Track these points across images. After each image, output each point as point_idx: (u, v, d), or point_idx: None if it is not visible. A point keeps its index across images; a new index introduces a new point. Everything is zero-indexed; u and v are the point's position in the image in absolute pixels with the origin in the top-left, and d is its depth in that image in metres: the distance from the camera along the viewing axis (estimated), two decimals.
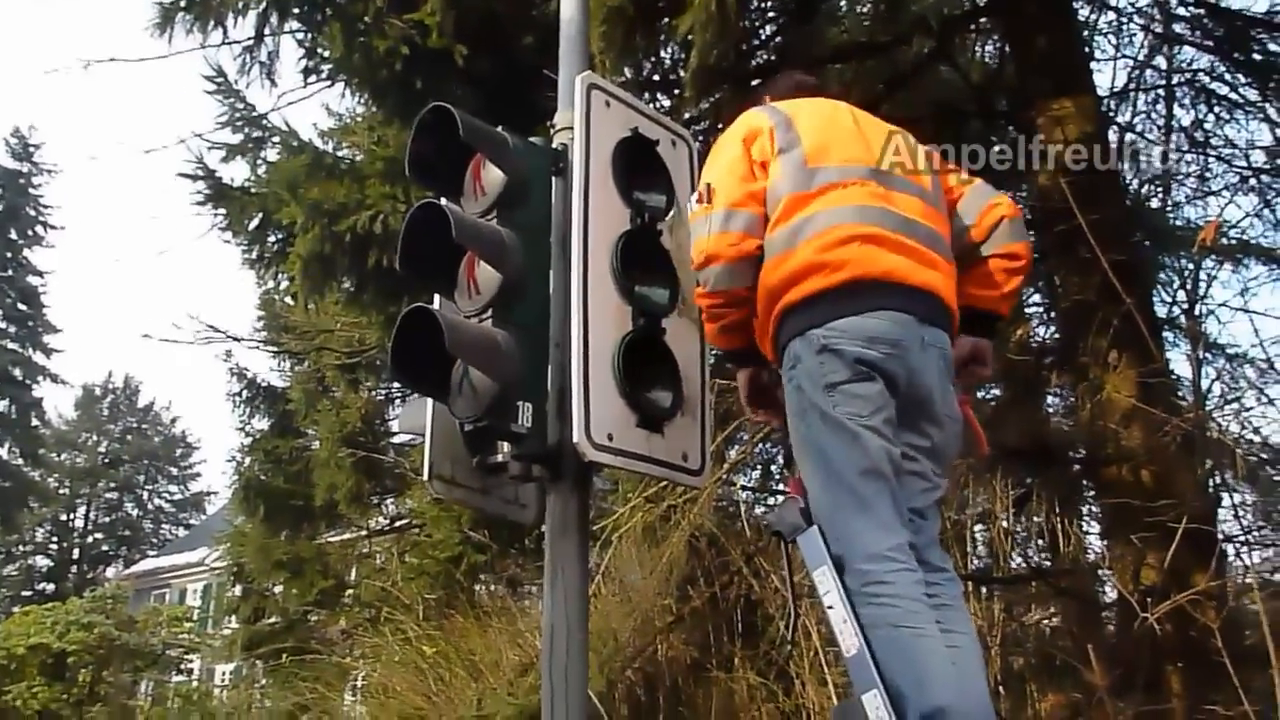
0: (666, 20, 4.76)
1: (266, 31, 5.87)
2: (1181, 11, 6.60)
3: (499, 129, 2.94)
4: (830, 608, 2.31)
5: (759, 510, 5.91)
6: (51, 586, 38.64)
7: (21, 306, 37.64)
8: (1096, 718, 4.52)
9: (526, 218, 2.89)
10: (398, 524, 11.48)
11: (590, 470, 2.87)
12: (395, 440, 11.43)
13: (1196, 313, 6.33)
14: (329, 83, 6.45)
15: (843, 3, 6.74)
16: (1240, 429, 5.12)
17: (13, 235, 37.42)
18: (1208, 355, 5.93)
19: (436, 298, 2.95)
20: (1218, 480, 5.20)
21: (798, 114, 2.75)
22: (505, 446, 2.73)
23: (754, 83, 5.45)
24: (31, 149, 38.11)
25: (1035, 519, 5.40)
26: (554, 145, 3.05)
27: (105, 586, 24.95)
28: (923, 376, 2.49)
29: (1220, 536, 4.95)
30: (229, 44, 5.99)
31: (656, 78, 5.79)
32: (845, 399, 2.40)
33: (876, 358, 2.41)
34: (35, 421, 38.57)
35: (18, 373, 37.26)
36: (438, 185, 2.99)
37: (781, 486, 5.87)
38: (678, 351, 2.95)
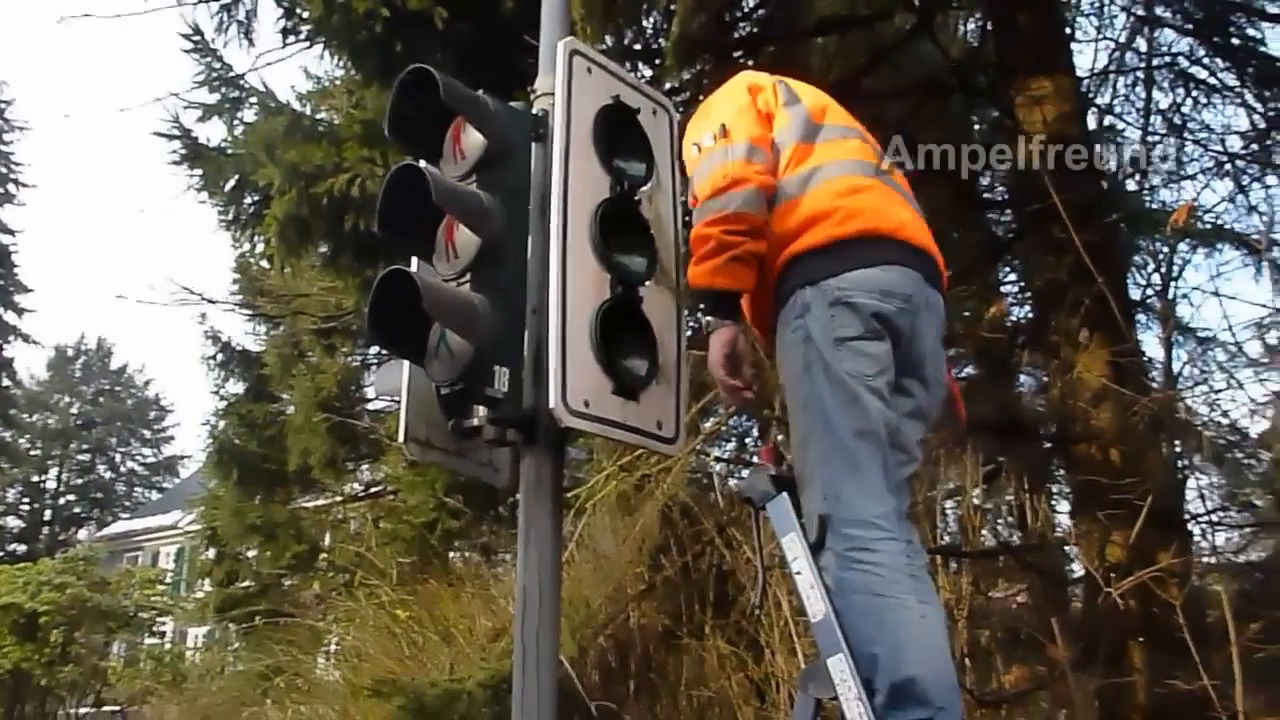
0: None
1: None
2: None
3: (480, 93, 2.92)
4: (798, 573, 2.33)
5: (733, 482, 5.95)
6: (23, 548, 38.39)
7: None
8: (1059, 690, 4.62)
9: (506, 182, 2.88)
10: (372, 490, 11.49)
11: (565, 436, 2.88)
12: (370, 406, 11.41)
13: (1169, 295, 6.42)
14: (308, 44, 6.39)
15: None
16: (1209, 411, 5.21)
17: None
18: (1179, 338, 6.01)
19: (414, 261, 2.95)
20: (1185, 461, 5.29)
21: (789, 80, 2.79)
22: (481, 410, 2.73)
23: (736, 54, 5.45)
24: (3, 105, 37.52)
25: (1006, 495, 5.47)
26: (534, 110, 3.03)
27: (78, 548, 24.84)
28: (923, 336, 2.51)
29: (1186, 516, 5.05)
30: (206, 1, 5.93)
31: (638, 47, 5.76)
32: (852, 355, 2.37)
33: (890, 311, 2.40)
34: (7, 382, 38.21)
35: None
36: (417, 148, 2.97)
37: (755, 459, 5.92)
38: (654, 320, 2.95)
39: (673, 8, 4.24)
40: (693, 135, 2.74)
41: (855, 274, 2.41)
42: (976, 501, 5.18)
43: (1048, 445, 5.53)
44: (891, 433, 2.41)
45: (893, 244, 2.49)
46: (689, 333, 3.22)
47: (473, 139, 2.90)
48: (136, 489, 46.11)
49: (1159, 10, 6.72)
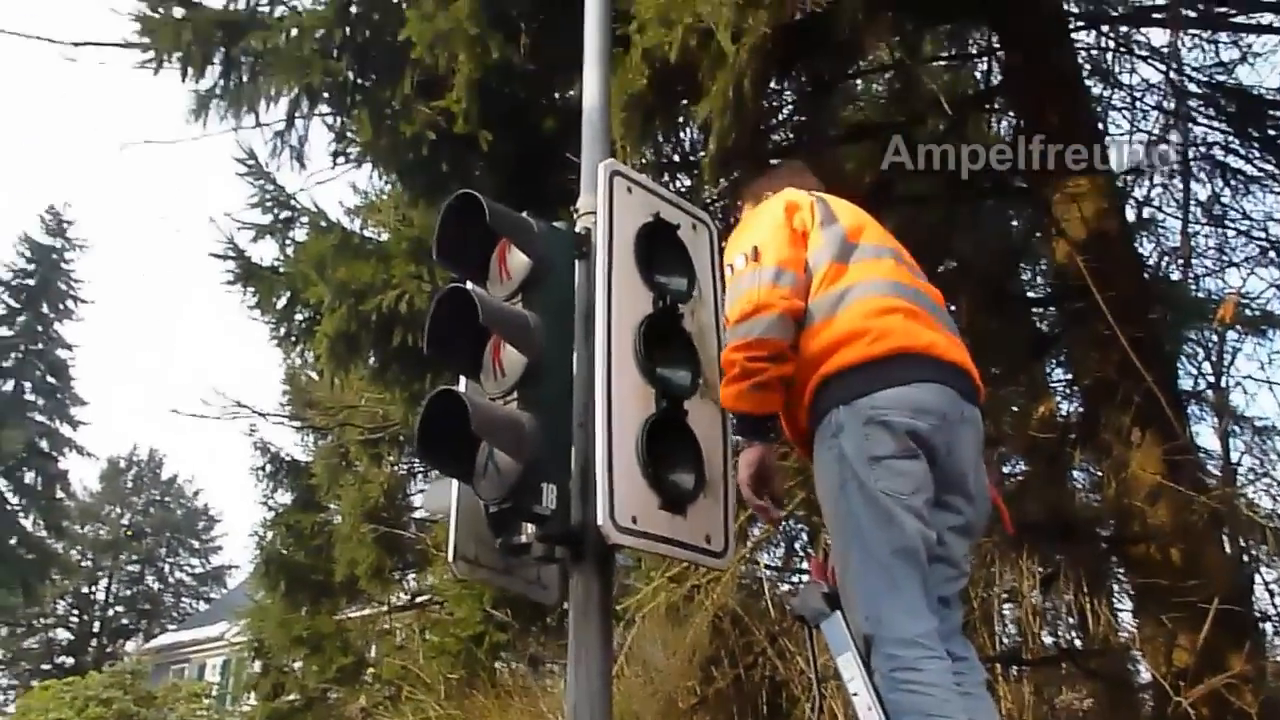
0: (685, 104, 4.88)
1: (297, 116, 6.02)
2: (1193, 88, 6.69)
3: (524, 214, 3.00)
4: (855, 694, 2.29)
5: (783, 589, 5.86)
6: (71, 660, 38.40)
7: (50, 379, 38.08)
8: None
9: (550, 301, 2.94)
10: (419, 600, 11.42)
11: (613, 551, 2.87)
12: (417, 516, 11.43)
13: (1222, 385, 6.31)
14: (357, 165, 6.60)
15: (858, 83, 6.87)
16: (1272, 503, 5.07)
17: (44, 309, 38.03)
18: (1235, 428, 5.89)
19: (461, 379, 2.99)
20: (1250, 557, 5.13)
21: (828, 198, 2.86)
22: (529, 528, 2.74)
23: (772, 162, 5.56)
24: (65, 225, 38.97)
25: (1064, 597, 5.33)
26: (577, 229, 3.11)
27: (125, 661, 24.82)
28: (962, 451, 2.52)
29: (1256, 615, 4.87)
30: (261, 127, 6.16)
31: (676, 158, 5.89)
32: (888, 474, 2.39)
33: (925, 429, 2.42)
34: (60, 494, 38.77)
35: (44, 445, 37.55)
36: (463, 269, 3.04)
37: (806, 565, 5.83)
38: (700, 433, 2.96)
39: (709, 122, 4.34)
40: (729, 254, 2.81)
41: (889, 392, 2.44)
42: (1034, 604, 5.05)
43: (1105, 545, 5.39)
44: (931, 549, 2.41)
45: (926, 361, 2.52)
46: (734, 443, 3.22)
47: (518, 259, 2.97)
48: (184, 599, 46.18)
49: (1191, 104, 6.77)
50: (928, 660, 2.26)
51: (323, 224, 6.44)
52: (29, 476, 37.35)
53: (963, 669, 2.44)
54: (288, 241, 6.89)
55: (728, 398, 2.70)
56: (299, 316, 6.62)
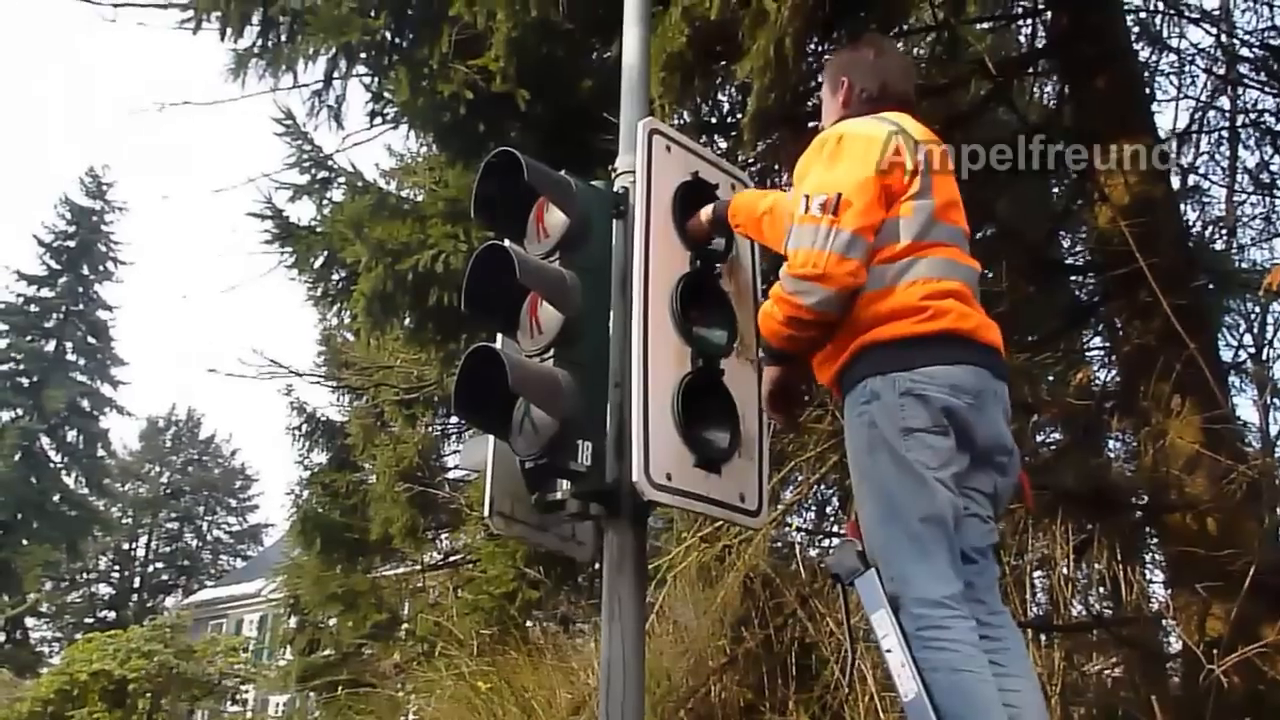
0: (725, 64, 4.84)
1: (335, 76, 6.04)
2: (1245, 53, 6.54)
3: (562, 172, 3.01)
4: (888, 651, 2.31)
5: (814, 552, 5.88)
6: (113, 614, 39.31)
7: (91, 340, 38.73)
8: None
9: (588, 259, 2.95)
10: (452, 559, 11.55)
11: (648, 509, 2.90)
12: (451, 476, 11.53)
13: (1264, 357, 6.23)
14: (394, 125, 6.61)
15: (900, 45, 6.77)
16: None
17: (85, 270, 38.61)
18: (1276, 401, 5.82)
19: (499, 336, 3.02)
20: None
21: (933, 157, 2.68)
22: (564, 484, 2.77)
23: (810, 125, 5.50)
24: (105, 187, 39.43)
25: (1096, 566, 5.30)
26: (615, 188, 3.11)
27: (165, 615, 25.34)
28: (993, 427, 2.55)
29: None
30: (298, 88, 6.18)
31: (714, 120, 5.85)
32: (919, 446, 2.42)
33: (960, 406, 2.45)
34: (101, 452, 39.52)
35: (86, 404, 38.29)
36: (502, 227, 3.06)
37: (838, 529, 5.84)
38: (736, 393, 2.98)
39: (749, 82, 4.30)
40: (812, 179, 2.62)
41: (931, 369, 2.47)
42: (1067, 572, 5.03)
43: (1140, 514, 5.35)
44: (958, 515, 2.44)
45: (969, 343, 2.55)
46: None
47: (555, 217, 2.98)
48: (222, 557, 47.08)
49: (1241, 69, 6.62)
50: (952, 619, 2.30)
51: (359, 184, 6.48)
52: (71, 435, 38.14)
53: (999, 622, 2.49)
54: (325, 201, 6.95)
55: (763, 323, 2.73)
56: (335, 276, 6.69)
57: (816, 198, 2.54)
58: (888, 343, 2.50)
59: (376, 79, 6.16)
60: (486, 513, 2.99)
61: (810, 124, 5.46)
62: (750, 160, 5.25)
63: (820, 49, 5.05)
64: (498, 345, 2.87)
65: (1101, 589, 5.36)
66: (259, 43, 5.84)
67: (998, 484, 2.60)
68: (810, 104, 5.76)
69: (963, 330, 2.53)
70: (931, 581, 2.34)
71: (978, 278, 2.73)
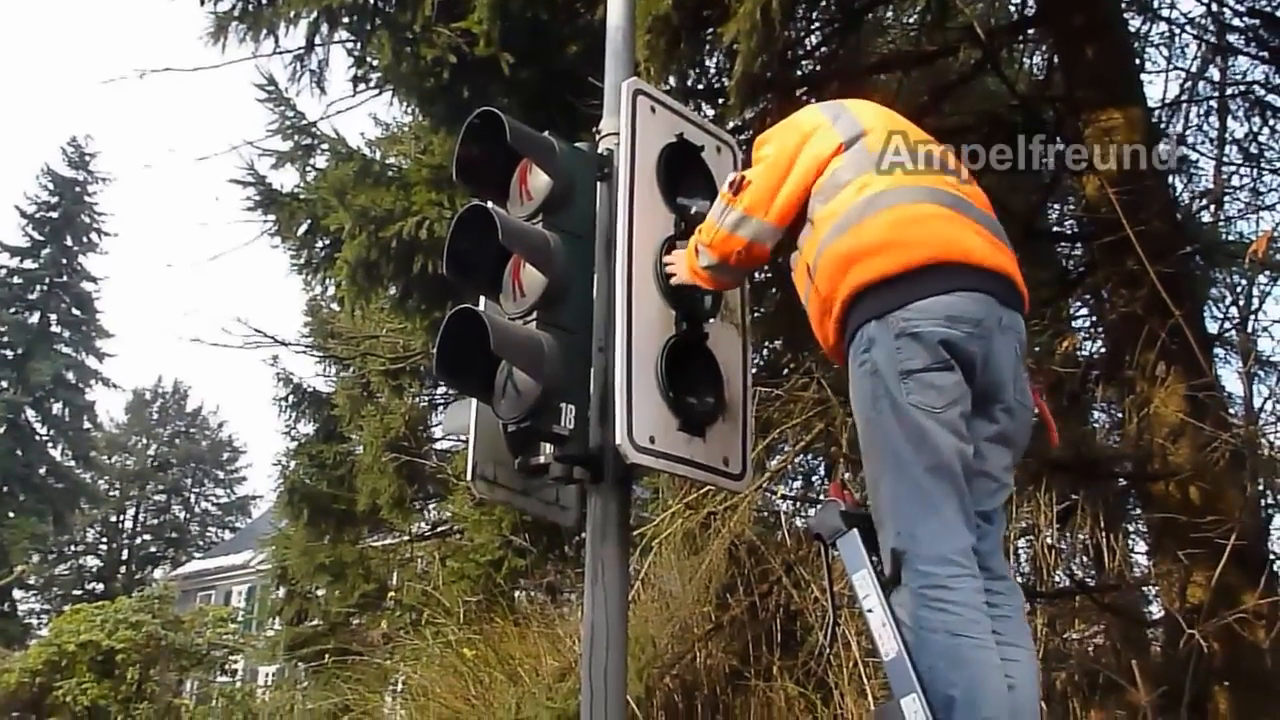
0: (711, 29, 4.79)
1: (317, 40, 5.97)
2: (1236, 22, 6.51)
3: (546, 134, 2.97)
4: (869, 611, 2.29)
5: (799, 520, 5.89)
6: (101, 586, 39.35)
7: (76, 312, 38.51)
8: None
9: (571, 222, 2.92)
10: (439, 529, 11.58)
11: (631, 473, 2.89)
12: (438, 446, 11.53)
13: (1249, 329, 6.23)
14: (377, 91, 6.55)
15: (889, 12, 6.72)
16: None
17: (68, 242, 38.31)
18: (1260, 372, 5.83)
19: (482, 300, 2.99)
20: (1269, 499, 5.11)
21: (857, 105, 2.78)
22: (547, 448, 2.76)
23: (799, 91, 5.47)
24: (88, 157, 39.07)
25: (1080, 534, 5.33)
26: (599, 150, 3.08)
27: (153, 587, 25.37)
28: (1000, 360, 2.43)
29: (1271, 556, 4.86)
30: (280, 53, 6.10)
31: (701, 86, 5.80)
32: (920, 388, 2.33)
33: (959, 337, 2.35)
34: (88, 424, 39.39)
35: (71, 376, 38.11)
36: (484, 189, 3.03)
37: (823, 497, 5.85)
38: (720, 356, 2.97)
39: (735, 48, 4.26)
40: (760, 144, 2.80)
41: (920, 303, 2.36)
42: (1050, 541, 5.06)
43: (1123, 482, 5.38)
44: (969, 464, 2.35)
45: (963, 268, 2.42)
46: (754, 371, 3.21)
47: (539, 180, 2.95)
48: (210, 529, 47.13)
49: (1232, 38, 6.59)
50: (959, 579, 2.24)
51: (343, 150, 6.42)
52: (57, 408, 38.00)
53: (1002, 588, 2.42)
54: (308, 169, 6.88)
55: (684, 261, 2.89)
56: (319, 244, 6.63)
57: (747, 174, 2.72)
58: (874, 284, 2.41)
59: (359, 44, 6.08)
60: (469, 477, 2.98)
61: (798, 90, 5.44)
62: (737, 126, 5.21)
63: (808, 13, 5.00)
64: (480, 308, 2.84)
65: (1085, 557, 5.39)
66: (239, 5, 5.75)
67: (1005, 425, 2.48)
68: (799, 71, 5.74)
69: (950, 256, 2.41)
70: (940, 536, 2.27)
71: (981, 210, 2.61)
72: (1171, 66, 6.75)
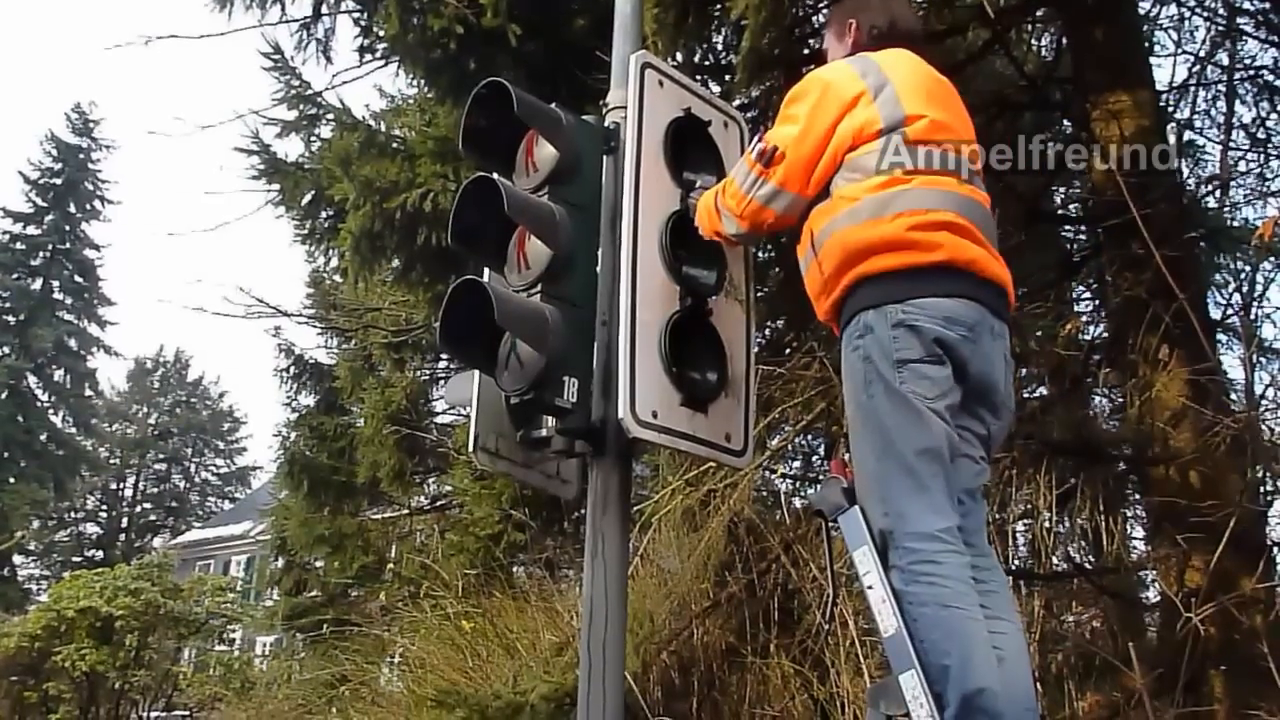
0: (719, 4, 4.76)
1: (324, 9, 5.96)
2: (1246, 6, 6.47)
3: (552, 106, 2.96)
4: (870, 587, 2.31)
5: (799, 500, 5.90)
6: (100, 554, 39.48)
7: (78, 279, 38.47)
8: (1136, 718, 4.47)
9: (577, 195, 2.92)
10: (439, 502, 11.60)
11: (633, 447, 2.89)
12: (439, 420, 11.54)
13: (1251, 315, 6.22)
14: (383, 62, 6.53)
15: None
16: None
17: (71, 209, 38.23)
18: (1262, 359, 5.82)
19: (486, 272, 2.99)
20: (1268, 484, 5.11)
21: (899, 75, 2.70)
22: (550, 421, 2.76)
23: (806, 69, 5.43)
24: (91, 124, 38.92)
25: (1079, 517, 5.34)
26: (606, 124, 3.07)
27: (152, 555, 25.46)
28: (990, 365, 2.53)
29: (1269, 542, 4.87)
30: (286, 21, 6.09)
31: (708, 62, 5.77)
32: (913, 377, 2.41)
33: (954, 339, 2.43)
34: (89, 392, 39.45)
35: (73, 343, 38.13)
36: (490, 160, 3.02)
37: (825, 474, 5.85)
38: (723, 332, 2.97)
39: (744, 23, 4.23)
40: (784, 109, 2.75)
41: (922, 300, 2.44)
42: (1048, 524, 5.06)
43: (1123, 466, 5.38)
44: (955, 447, 2.44)
45: (966, 277, 2.50)
46: (756, 349, 3.21)
47: (545, 152, 2.94)
48: (209, 498, 47.28)
49: (1241, 22, 6.55)
50: (946, 554, 2.30)
51: (348, 121, 6.39)
52: (58, 375, 38.03)
53: (986, 564, 2.49)
54: (313, 138, 6.86)
55: (699, 214, 2.91)
56: (323, 214, 6.63)
57: (759, 145, 2.70)
58: (880, 275, 2.48)
59: (366, 13, 6.06)
60: (471, 448, 2.99)
61: (805, 68, 5.40)
62: (745, 103, 5.18)
63: None
64: (484, 280, 2.83)
65: (1083, 540, 5.40)
66: None
67: (991, 428, 2.59)
68: (806, 49, 5.69)
69: (959, 263, 2.49)
70: (928, 515, 2.34)
71: (985, 211, 2.66)
72: (1180, 50, 6.73)
